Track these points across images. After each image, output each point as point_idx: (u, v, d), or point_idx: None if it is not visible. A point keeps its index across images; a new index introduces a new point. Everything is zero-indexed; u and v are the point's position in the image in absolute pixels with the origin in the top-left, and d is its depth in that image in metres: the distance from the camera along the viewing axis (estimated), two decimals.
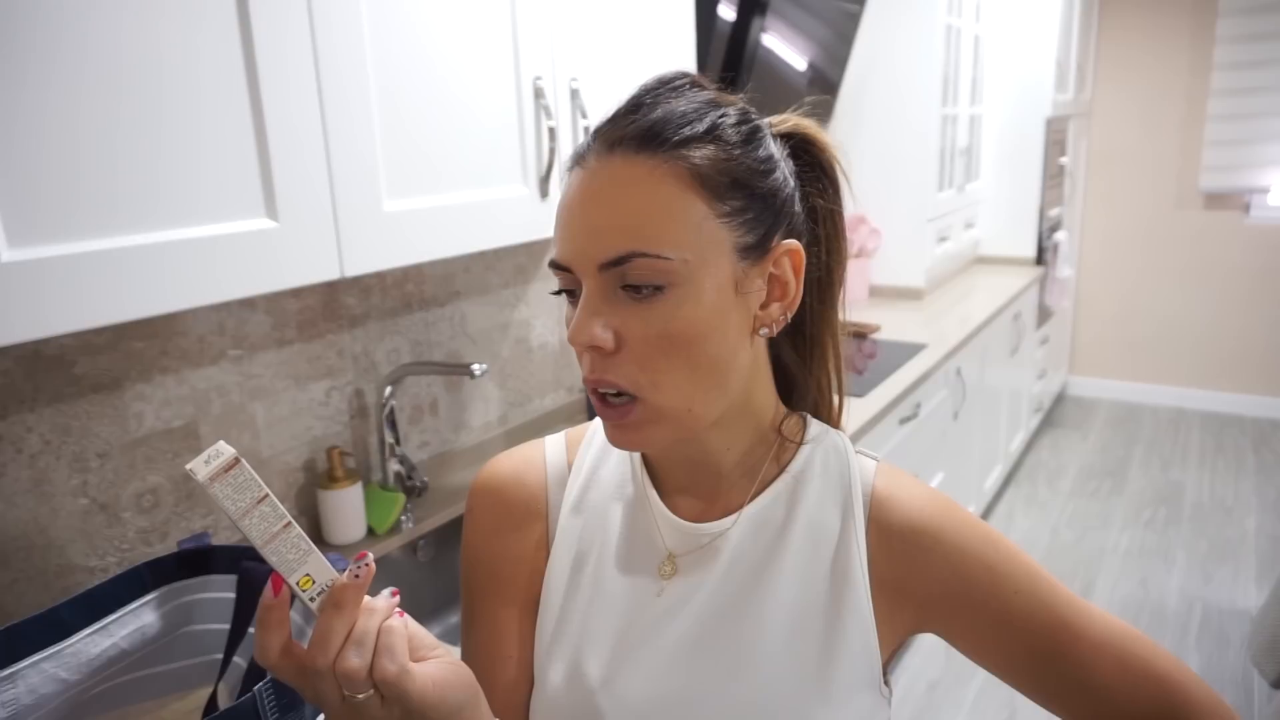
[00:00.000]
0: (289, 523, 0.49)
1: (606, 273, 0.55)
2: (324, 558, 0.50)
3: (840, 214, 0.65)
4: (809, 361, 0.68)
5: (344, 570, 0.50)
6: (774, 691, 0.60)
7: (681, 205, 0.55)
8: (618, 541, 0.66)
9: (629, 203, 0.54)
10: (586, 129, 1.34)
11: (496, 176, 1.23)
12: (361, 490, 1.35)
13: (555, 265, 0.58)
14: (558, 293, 0.60)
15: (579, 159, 0.58)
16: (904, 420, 2.17)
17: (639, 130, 0.55)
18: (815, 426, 0.68)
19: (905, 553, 0.62)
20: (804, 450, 0.66)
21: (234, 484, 0.47)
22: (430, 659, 0.51)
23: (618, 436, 0.59)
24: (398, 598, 0.51)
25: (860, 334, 2.58)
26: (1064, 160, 3.81)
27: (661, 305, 0.55)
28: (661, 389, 0.56)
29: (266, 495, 0.48)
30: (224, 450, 0.47)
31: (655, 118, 0.56)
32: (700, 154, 0.55)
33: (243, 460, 0.48)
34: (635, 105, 0.58)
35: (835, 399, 0.70)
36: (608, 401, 0.58)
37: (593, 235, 0.55)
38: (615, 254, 0.54)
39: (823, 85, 2.71)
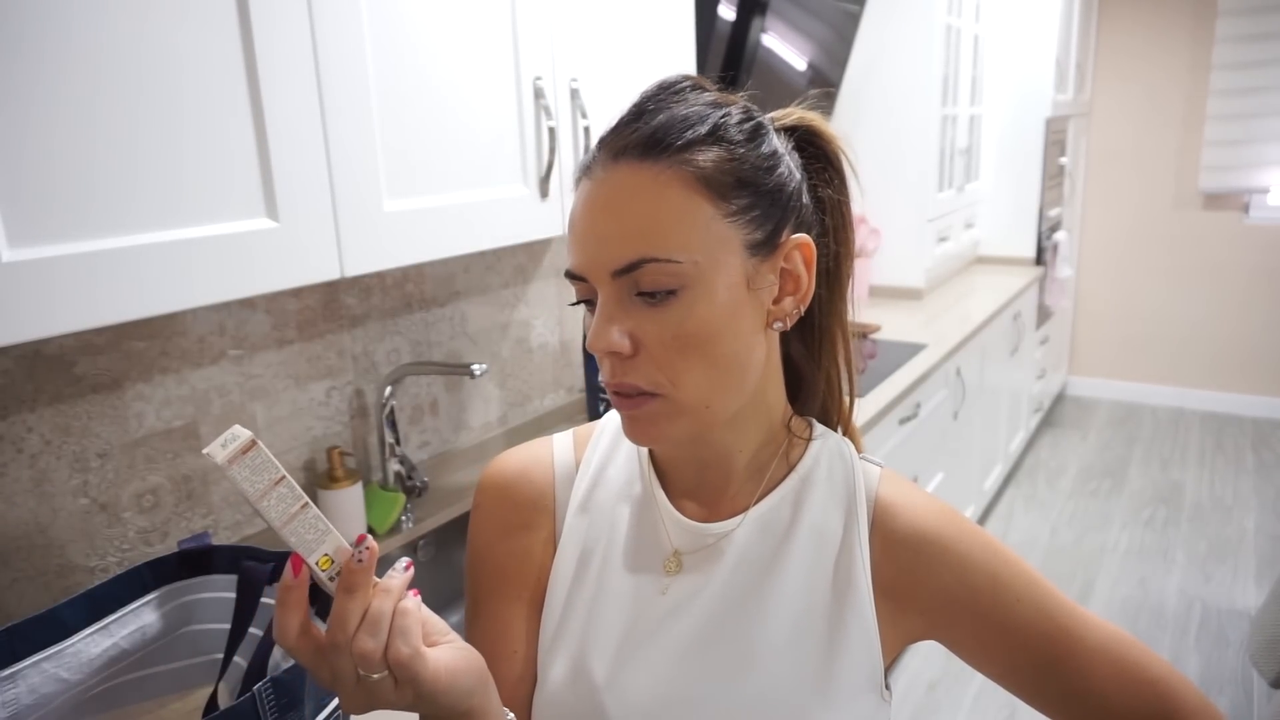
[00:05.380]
0: (306, 503, 0.49)
1: (620, 280, 0.56)
2: (342, 539, 0.51)
3: (848, 204, 0.66)
4: (818, 355, 0.69)
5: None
6: (776, 693, 0.60)
7: (688, 208, 0.55)
8: (624, 540, 0.67)
9: (637, 210, 0.55)
10: (587, 129, 1.34)
11: (496, 177, 1.23)
12: (361, 490, 1.35)
13: (571, 275, 0.59)
14: (576, 303, 0.61)
15: (585, 170, 0.59)
16: (904, 420, 2.17)
17: (642, 138, 0.56)
18: (818, 427, 0.69)
19: (910, 560, 0.62)
20: (812, 447, 0.67)
21: (251, 466, 0.48)
22: (442, 644, 0.52)
23: (636, 431, 0.59)
24: (411, 571, 0.52)
25: (860, 334, 2.58)
26: (1064, 160, 3.81)
27: (675, 307, 0.56)
28: (681, 387, 0.57)
29: (284, 477, 0.49)
30: (240, 433, 0.48)
31: (658, 124, 0.56)
32: (704, 156, 0.56)
33: (259, 442, 0.48)
34: (638, 113, 0.58)
35: (845, 397, 0.71)
36: (625, 395, 0.58)
37: (603, 244, 0.56)
38: (626, 261, 0.55)
39: (822, 85, 2.71)
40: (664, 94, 0.59)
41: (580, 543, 0.68)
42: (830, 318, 0.67)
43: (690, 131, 0.56)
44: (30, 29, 0.73)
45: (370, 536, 0.50)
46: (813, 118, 0.64)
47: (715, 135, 0.57)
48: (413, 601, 0.50)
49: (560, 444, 0.73)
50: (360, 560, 0.49)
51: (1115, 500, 3.42)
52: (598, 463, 0.71)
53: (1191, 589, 2.80)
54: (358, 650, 0.48)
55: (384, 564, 1.38)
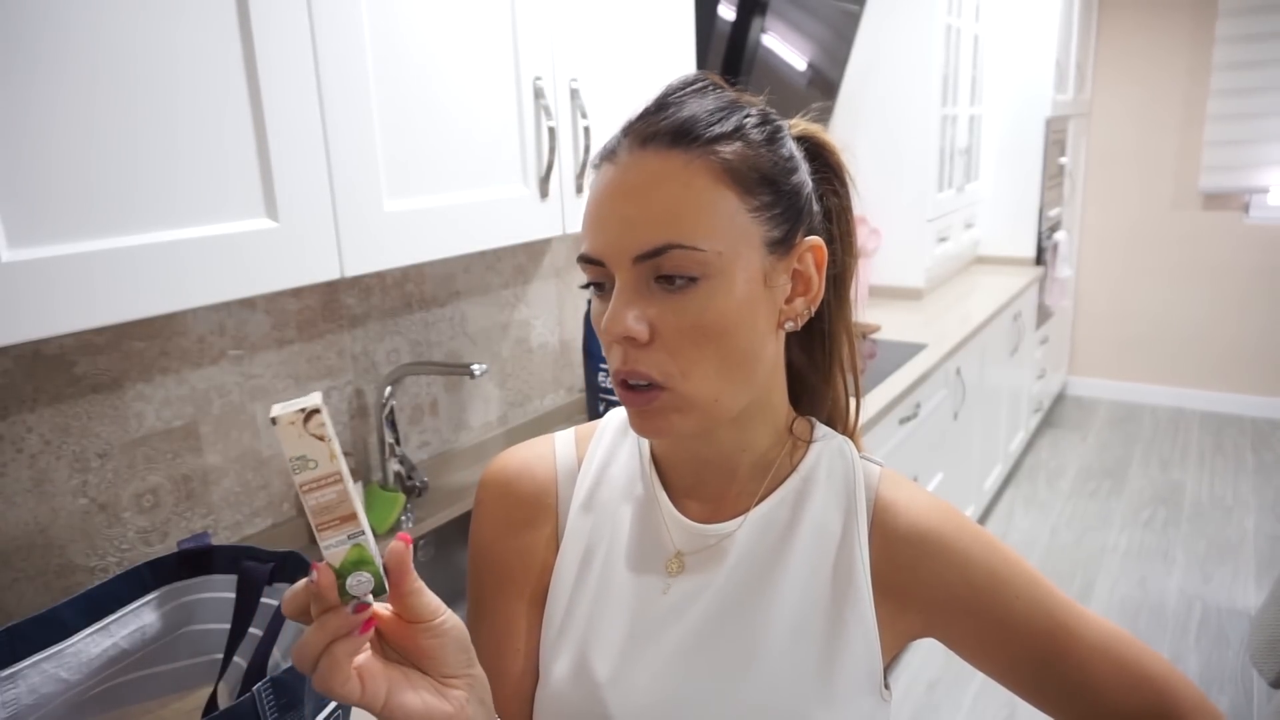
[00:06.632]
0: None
1: (641, 264, 0.56)
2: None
3: (851, 212, 0.67)
4: (827, 360, 0.69)
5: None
6: (776, 692, 0.60)
7: (715, 198, 0.56)
8: (626, 540, 0.67)
9: (664, 195, 0.55)
10: (587, 129, 1.34)
11: (496, 177, 1.23)
12: (361, 490, 1.35)
13: (587, 259, 0.58)
14: (586, 285, 0.60)
15: (609, 155, 0.59)
16: (904, 420, 2.17)
17: (672, 126, 0.57)
18: (821, 429, 0.69)
19: (910, 558, 0.62)
20: (814, 449, 0.67)
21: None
22: (422, 689, 0.49)
23: (643, 423, 0.59)
24: (409, 544, 0.49)
25: (860, 334, 2.58)
26: (1064, 160, 3.81)
27: (695, 296, 0.56)
28: (691, 379, 0.57)
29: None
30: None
31: (685, 116, 0.57)
32: (730, 150, 0.57)
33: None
34: (663, 104, 0.59)
35: (852, 401, 0.71)
36: (634, 389, 0.58)
37: (628, 227, 0.56)
38: (651, 245, 0.55)
39: (822, 85, 2.71)
40: (686, 89, 0.60)
41: (583, 542, 0.68)
42: (838, 323, 0.68)
43: (718, 125, 0.57)
44: (28, 28, 0.73)
45: (317, 567, 0.47)
46: (817, 129, 0.66)
47: (739, 132, 0.58)
48: (353, 643, 0.47)
49: (562, 442, 0.73)
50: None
51: (1115, 500, 3.42)
52: (600, 461, 0.71)
53: (1191, 589, 2.80)
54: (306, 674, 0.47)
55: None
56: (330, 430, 0.46)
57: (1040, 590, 0.62)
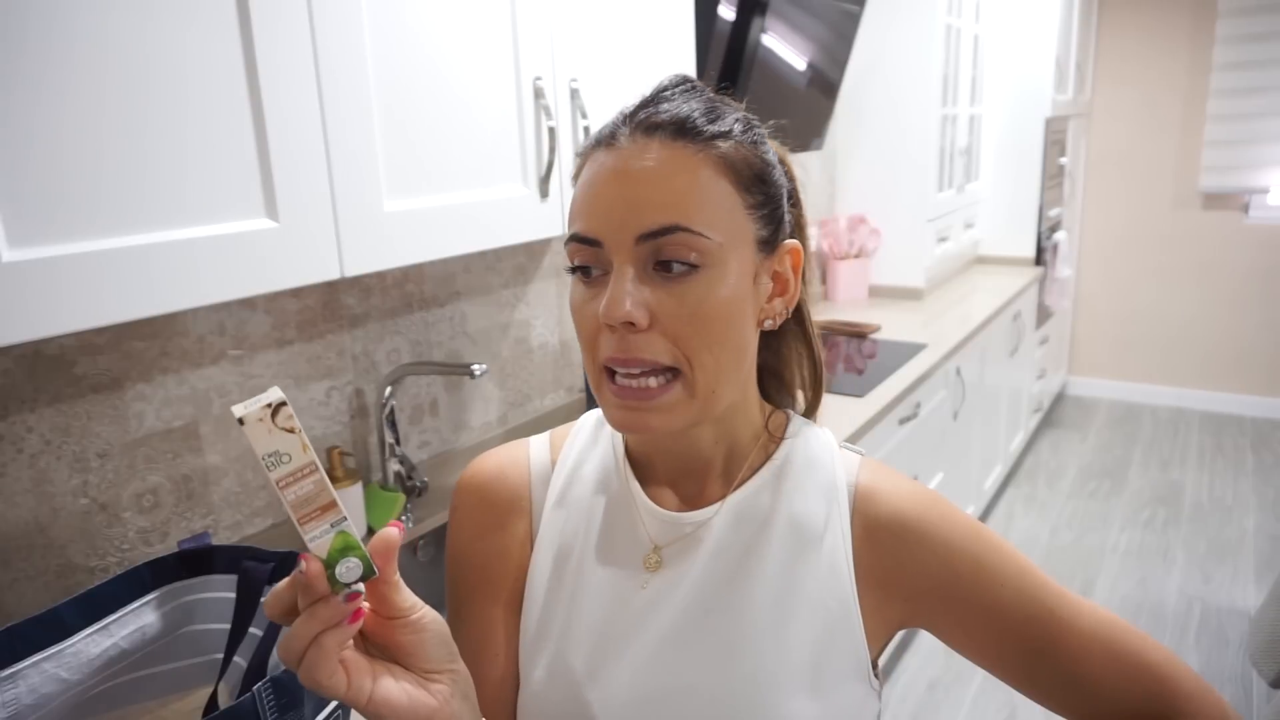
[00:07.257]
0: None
1: (643, 246, 0.55)
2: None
3: (805, 222, 0.68)
4: (811, 357, 0.70)
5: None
6: (759, 683, 0.60)
7: (719, 191, 0.57)
8: (600, 535, 0.67)
9: (673, 182, 0.56)
10: (586, 129, 1.34)
11: (496, 177, 1.23)
12: (361, 490, 1.35)
13: (581, 239, 0.58)
14: (573, 269, 0.60)
15: (607, 140, 0.59)
16: (904, 420, 2.18)
17: (675, 119, 0.57)
18: (798, 421, 0.69)
19: (892, 546, 0.62)
20: (787, 444, 0.67)
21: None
22: (402, 679, 0.49)
23: (634, 418, 0.58)
24: (400, 529, 0.49)
25: (860, 334, 2.58)
26: (1064, 160, 3.81)
27: (695, 284, 0.56)
28: (694, 366, 0.57)
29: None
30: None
31: (689, 109, 0.58)
32: (727, 147, 0.58)
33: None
34: (660, 98, 0.60)
35: (812, 394, 0.71)
36: (621, 383, 0.57)
37: (632, 208, 0.56)
38: (658, 225, 0.55)
39: (822, 85, 2.71)
40: (678, 88, 0.61)
41: (557, 539, 0.68)
42: (809, 324, 0.69)
43: (716, 124, 0.58)
44: (33, 30, 0.73)
45: (303, 561, 0.46)
46: (774, 143, 0.66)
47: (733, 133, 0.59)
48: (343, 633, 0.47)
49: (536, 445, 0.73)
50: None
51: (1115, 501, 3.42)
52: (574, 460, 0.71)
53: (1191, 589, 2.80)
54: (289, 665, 0.47)
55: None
56: (298, 421, 0.46)
57: (1029, 579, 0.61)
